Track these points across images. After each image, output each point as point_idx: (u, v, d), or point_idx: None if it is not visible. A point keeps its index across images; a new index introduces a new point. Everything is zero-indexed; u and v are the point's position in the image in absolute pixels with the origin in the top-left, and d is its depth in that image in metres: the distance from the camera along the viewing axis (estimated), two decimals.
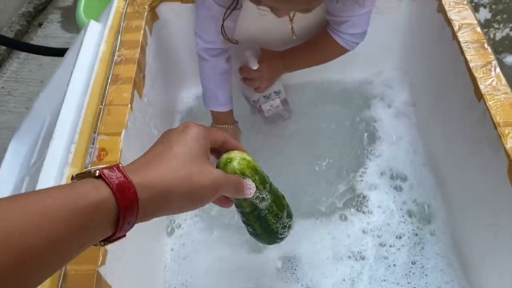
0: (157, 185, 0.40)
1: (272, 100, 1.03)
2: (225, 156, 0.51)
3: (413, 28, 1.02)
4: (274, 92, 1.03)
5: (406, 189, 0.96)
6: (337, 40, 0.92)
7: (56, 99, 0.88)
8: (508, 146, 0.67)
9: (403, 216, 0.92)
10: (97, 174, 0.37)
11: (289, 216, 0.62)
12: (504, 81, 0.76)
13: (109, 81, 0.81)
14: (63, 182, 0.68)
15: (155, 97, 0.94)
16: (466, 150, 0.82)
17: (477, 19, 0.86)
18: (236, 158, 0.50)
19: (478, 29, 0.84)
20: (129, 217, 0.38)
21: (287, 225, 0.62)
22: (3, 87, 1.63)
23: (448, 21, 0.86)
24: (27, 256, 0.30)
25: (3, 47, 1.66)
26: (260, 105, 1.04)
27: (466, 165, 0.83)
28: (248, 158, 0.52)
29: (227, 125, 0.98)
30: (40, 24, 1.86)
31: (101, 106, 0.78)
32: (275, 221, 0.59)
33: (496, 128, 0.70)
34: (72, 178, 0.39)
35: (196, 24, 0.90)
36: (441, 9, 0.89)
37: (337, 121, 1.09)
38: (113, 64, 0.84)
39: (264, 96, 1.02)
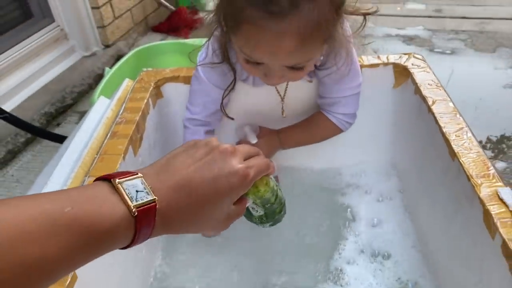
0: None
1: None
2: None
3: (396, 112, 1.10)
4: None
5: (389, 265, 0.94)
6: (331, 119, 0.99)
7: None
8: (481, 195, 0.69)
9: None
10: (134, 214, 0.38)
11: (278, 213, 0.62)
12: (475, 142, 0.80)
13: (107, 137, 0.88)
14: None
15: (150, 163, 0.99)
16: (448, 210, 0.83)
17: (450, 97, 0.94)
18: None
19: (451, 104, 0.91)
20: (143, 235, 0.40)
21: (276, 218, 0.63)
22: (12, 175, 1.70)
23: (424, 98, 0.94)
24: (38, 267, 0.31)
25: (22, 140, 1.78)
26: None
27: (451, 227, 0.82)
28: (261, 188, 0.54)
29: None
30: (58, 124, 2.01)
31: (96, 156, 0.83)
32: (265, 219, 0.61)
33: (469, 180, 0.72)
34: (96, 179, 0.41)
35: (188, 98, 0.99)
36: (418, 91, 0.98)
37: (319, 203, 1.11)
38: (114, 124, 0.91)
39: None
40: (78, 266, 0.36)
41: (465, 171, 0.74)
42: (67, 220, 0.34)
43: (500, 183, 0.71)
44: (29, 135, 1.81)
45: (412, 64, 1.04)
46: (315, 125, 1.03)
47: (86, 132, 0.93)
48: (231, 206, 0.48)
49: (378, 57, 1.06)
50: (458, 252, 0.79)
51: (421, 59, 1.05)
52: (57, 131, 1.97)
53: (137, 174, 0.41)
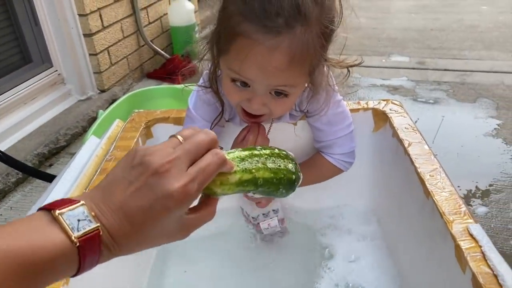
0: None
1: (271, 218, 1.09)
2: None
3: (375, 154, 1.15)
4: (273, 210, 1.09)
5: None
6: (330, 161, 1.03)
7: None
8: (453, 231, 0.72)
9: None
10: (76, 245, 0.38)
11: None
12: (448, 182, 0.84)
13: (96, 173, 0.91)
14: None
15: None
16: (425, 248, 0.85)
17: (425, 140, 0.99)
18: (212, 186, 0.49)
19: (426, 146, 0.96)
20: (90, 263, 0.40)
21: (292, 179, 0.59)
22: (1, 214, 1.71)
23: (400, 141, 0.99)
24: None
25: (13, 180, 1.80)
26: (258, 223, 1.09)
27: (428, 263, 0.85)
28: (231, 178, 0.50)
29: None
30: (50, 165, 2.03)
31: (85, 191, 0.86)
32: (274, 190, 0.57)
33: (442, 217, 0.76)
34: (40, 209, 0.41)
35: None
36: (395, 134, 1.03)
37: (298, 243, 1.14)
38: (104, 161, 0.95)
39: (263, 214, 1.09)
40: None
41: (438, 209, 0.78)
42: (2, 256, 0.34)
43: (471, 220, 0.75)
44: (20, 175, 1.83)
45: (390, 109, 1.10)
46: (315, 167, 1.06)
47: (75, 169, 0.96)
48: (182, 217, 0.46)
49: (358, 102, 1.12)
50: (434, 287, 0.81)
51: (398, 105, 1.12)
52: (49, 171, 1.99)
53: (79, 201, 0.41)
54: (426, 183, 0.85)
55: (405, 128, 1.03)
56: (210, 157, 0.46)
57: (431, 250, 0.83)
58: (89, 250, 0.39)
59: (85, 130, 2.22)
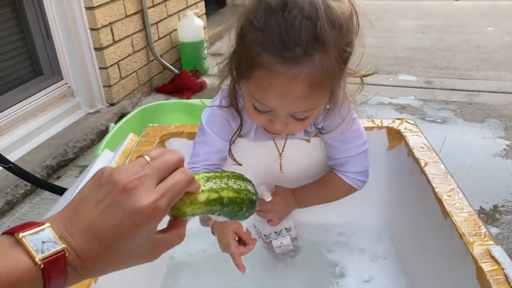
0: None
1: (283, 237, 1.08)
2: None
3: (389, 173, 1.14)
4: (285, 229, 1.09)
5: None
6: (343, 179, 1.03)
7: None
8: (474, 252, 0.72)
9: None
10: (41, 267, 0.38)
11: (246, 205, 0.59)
12: (466, 202, 0.84)
13: None
14: None
15: None
16: (443, 268, 0.84)
17: (441, 160, 0.99)
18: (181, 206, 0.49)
19: (442, 166, 0.96)
20: (56, 285, 0.39)
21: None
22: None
23: (416, 160, 0.99)
24: None
25: (21, 191, 1.80)
26: (271, 241, 1.08)
27: (445, 284, 0.84)
28: (198, 199, 0.50)
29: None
30: (58, 177, 2.03)
31: None
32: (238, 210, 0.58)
33: (462, 238, 0.75)
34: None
35: (193, 150, 1.02)
36: (410, 153, 1.03)
37: (306, 260, 1.13)
38: None
39: (275, 232, 1.08)
40: None
41: (457, 230, 0.77)
42: None
43: (492, 242, 0.74)
44: (28, 187, 1.83)
45: (405, 128, 1.10)
46: (328, 185, 1.06)
47: None
48: (153, 236, 0.46)
49: (373, 121, 1.12)
50: None
51: (413, 124, 1.12)
52: (57, 183, 1.99)
53: (44, 224, 0.40)
54: (444, 203, 0.84)
55: (421, 147, 1.03)
56: (179, 175, 0.46)
57: (449, 271, 0.82)
58: (54, 272, 0.38)
59: (93, 143, 2.22)
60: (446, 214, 0.82)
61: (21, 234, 0.38)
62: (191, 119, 1.67)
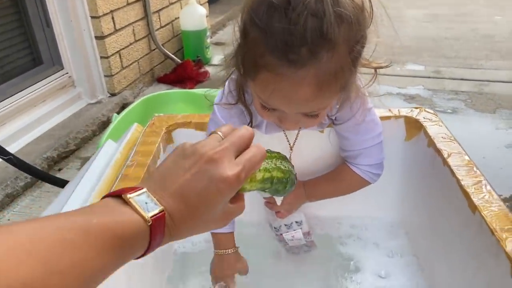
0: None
1: (294, 230, 1.04)
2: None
3: (407, 165, 1.09)
4: (296, 222, 1.04)
5: None
6: (356, 172, 0.97)
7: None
8: (508, 249, 0.67)
9: None
10: (149, 223, 0.41)
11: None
12: (496, 196, 0.79)
13: (117, 180, 0.86)
14: None
15: None
16: (470, 267, 0.79)
17: (465, 151, 0.93)
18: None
19: (466, 157, 0.91)
20: (156, 244, 0.43)
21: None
22: (9, 219, 1.65)
23: (438, 151, 0.94)
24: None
25: (21, 184, 1.75)
26: (282, 234, 1.04)
27: (473, 284, 0.79)
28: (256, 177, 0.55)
29: (228, 250, 0.97)
30: (59, 169, 1.98)
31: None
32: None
33: (493, 234, 0.70)
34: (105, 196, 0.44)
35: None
36: (431, 143, 0.98)
37: (319, 253, 1.09)
38: (125, 167, 0.89)
39: (285, 225, 1.04)
40: (108, 274, 0.38)
41: (488, 225, 0.72)
42: (96, 230, 0.37)
43: None
44: (28, 179, 1.78)
45: (424, 118, 1.04)
46: (340, 178, 1.01)
47: (93, 175, 0.91)
48: (227, 205, 0.49)
49: (389, 110, 1.06)
50: None
51: (432, 113, 1.06)
52: (58, 176, 1.94)
53: (142, 188, 0.44)
54: (471, 196, 0.79)
55: (442, 137, 0.98)
56: (255, 149, 0.50)
57: (478, 271, 0.77)
58: (158, 229, 0.42)
59: (95, 134, 2.17)
60: (474, 208, 0.77)
61: (128, 195, 0.41)
62: (195, 109, 1.61)
